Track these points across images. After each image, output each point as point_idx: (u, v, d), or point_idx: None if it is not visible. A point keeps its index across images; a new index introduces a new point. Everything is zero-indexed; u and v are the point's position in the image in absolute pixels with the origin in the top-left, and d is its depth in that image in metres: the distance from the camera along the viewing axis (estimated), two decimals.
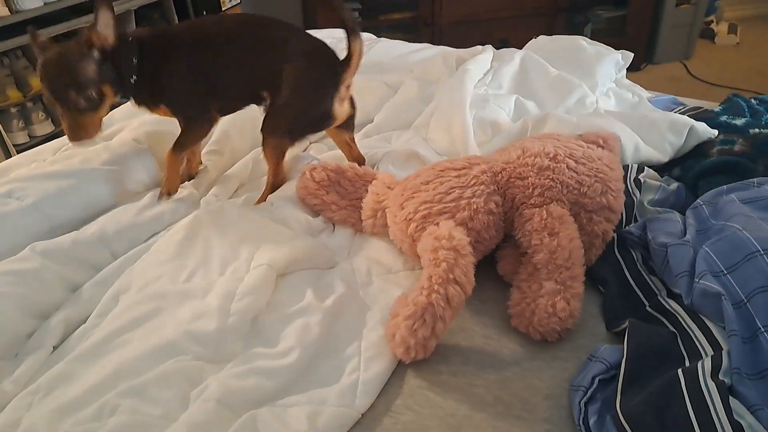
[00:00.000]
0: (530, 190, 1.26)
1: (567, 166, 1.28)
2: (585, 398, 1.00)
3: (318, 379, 1.09)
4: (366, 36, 2.50)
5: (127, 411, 0.99)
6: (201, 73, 1.48)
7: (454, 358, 1.13)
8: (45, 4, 2.70)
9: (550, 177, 1.27)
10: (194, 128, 1.55)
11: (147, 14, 3.26)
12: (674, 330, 1.11)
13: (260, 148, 1.55)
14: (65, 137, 1.72)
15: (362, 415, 1.03)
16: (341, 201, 1.45)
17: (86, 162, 1.55)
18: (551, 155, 1.29)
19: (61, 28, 2.78)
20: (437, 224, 1.22)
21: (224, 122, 1.78)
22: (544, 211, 1.23)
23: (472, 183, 1.27)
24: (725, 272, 1.08)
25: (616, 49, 2.18)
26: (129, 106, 1.82)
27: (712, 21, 4.28)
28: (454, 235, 1.16)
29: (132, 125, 1.72)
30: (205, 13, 3.47)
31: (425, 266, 1.15)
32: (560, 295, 1.15)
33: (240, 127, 1.82)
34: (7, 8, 2.55)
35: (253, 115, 1.60)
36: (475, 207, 1.24)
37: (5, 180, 1.49)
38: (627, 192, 1.41)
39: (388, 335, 1.12)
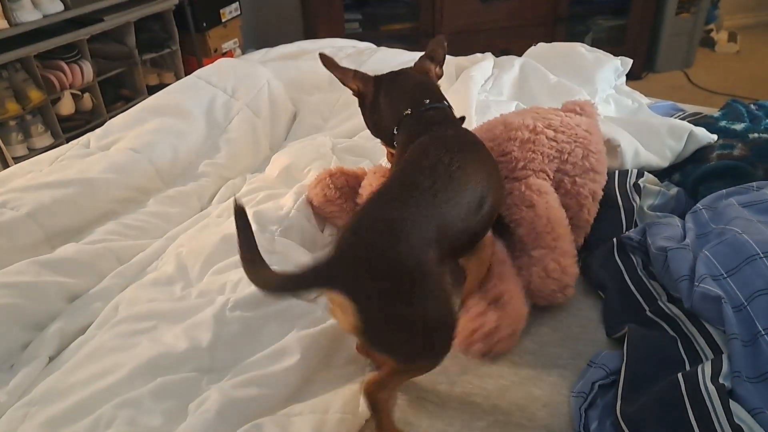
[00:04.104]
0: (513, 164, 1.30)
1: (546, 137, 1.33)
2: (585, 404, 0.99)
3: (321, 387, 1.08)
4: (365, 45, 2.50)
5: (125, 423, 0.98)
6: None
7: (453, 368, 1.11)
8: (44, 16, 2.70)
9: (531, 149, 1.31)
10: None
11: (147, 26, 3.25)
12: (674, 334, 1.10)
13: None
14: (61, 147, 1.72)
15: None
16: (357, 208, 1.41)
17: (83, 172, 1.54)
18: (530, 127, 1.34)
19: (59, 41, 2.78)
20: None
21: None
22: (523, 185, 1.27)
23: None
24: (725, 276, 1.08)
25: None
26: (126, 116, 1.82)
27: (712, 29, 4.28)
28: None
29: (129, 135, 1.72)
30: (204, 25, 3.44)
31: None
32: (549, 257, 1.18)
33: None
34: (6, 21, 2.55)
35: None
36: None
37: (1, 190, 1.48)
38: (627, 197, 1.41)
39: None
